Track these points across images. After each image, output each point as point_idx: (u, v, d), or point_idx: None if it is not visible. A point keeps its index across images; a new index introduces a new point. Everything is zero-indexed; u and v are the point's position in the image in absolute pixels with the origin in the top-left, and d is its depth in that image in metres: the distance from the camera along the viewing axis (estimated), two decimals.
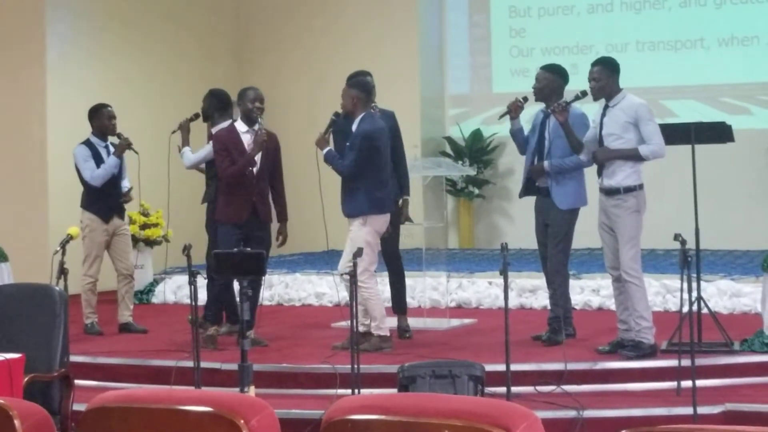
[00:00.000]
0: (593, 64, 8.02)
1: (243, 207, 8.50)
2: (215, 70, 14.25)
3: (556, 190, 8.33)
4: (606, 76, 7.90)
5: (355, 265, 7.19)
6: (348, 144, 8.22)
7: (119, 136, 9.46)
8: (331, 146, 8.38)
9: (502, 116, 8.54)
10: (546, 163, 8.34)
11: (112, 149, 9.44)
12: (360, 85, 8.34)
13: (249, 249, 6.83)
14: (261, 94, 8.57)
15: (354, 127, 8.24)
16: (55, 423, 3.79)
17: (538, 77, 8.49)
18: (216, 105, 9.26)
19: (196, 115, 9.52)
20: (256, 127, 8.50)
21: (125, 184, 9.59)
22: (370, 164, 8.20)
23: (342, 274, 8.06)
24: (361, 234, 8.17)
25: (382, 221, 8.29)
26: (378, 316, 8.29)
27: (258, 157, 8.52)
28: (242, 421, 3.15)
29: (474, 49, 14.85)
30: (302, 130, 14.46)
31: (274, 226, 8.78)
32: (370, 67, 9.17)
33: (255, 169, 8.54)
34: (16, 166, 12.13)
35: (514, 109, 8.44)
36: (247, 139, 8.52)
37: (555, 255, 8.40)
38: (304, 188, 14.22)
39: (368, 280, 8.18)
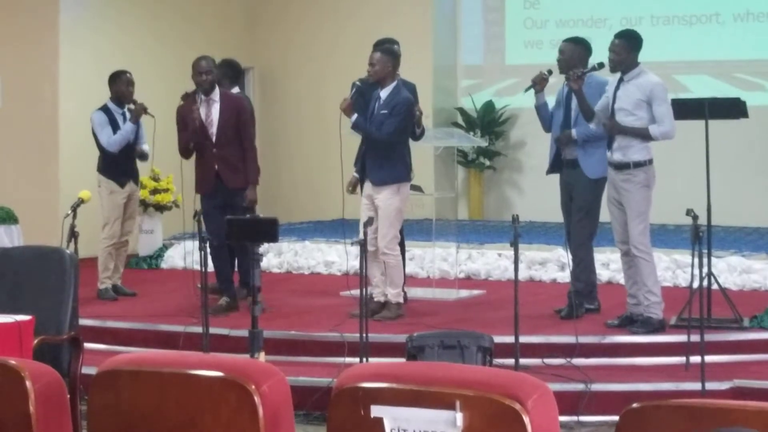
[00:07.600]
0: (616, 36, 7.91)
1: (204, 178, 8.70)
2: (228, 36, 14.19)
3: (584, 160, 8.20)
4: (627, 52, 7.80)
5: (365, 234, 7.21)
6: (387, 111, 8.21)
7: (134, 102, 9.45)
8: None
9: (527, 90, 8.39)
10: (573, 131, 8.21)
11: (128, 116, 9.44)
12: (393, 53, 8.38)
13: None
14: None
15: (385, 95, 8.26)
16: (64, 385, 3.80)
17: (562, 49, 8.37)
18: (228, 74, 9.35)
19: None
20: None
21: (145, 148, 9.59)
22: (406, 132, 8.31)
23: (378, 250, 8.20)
24: (395, 202, 8.26)
25: (408, 188, 8.43)
26: (400, 284, 8.42)
27: (214, 126, 8.60)
28: (253, 387, 3.15)
29: (488, 19, 14.75)
30: (314, 98, 14.43)
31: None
32: (383, 35, 9.11)
33: (213, 138, 8.61)
34: (28, 130, 12.10)
35: (538, 82, 8.29)
36: (203, 111, 8.63)
37: (579, 228, 8.34)
38: (313, 156, 14.24)
39: (396, 248, 8.33)
